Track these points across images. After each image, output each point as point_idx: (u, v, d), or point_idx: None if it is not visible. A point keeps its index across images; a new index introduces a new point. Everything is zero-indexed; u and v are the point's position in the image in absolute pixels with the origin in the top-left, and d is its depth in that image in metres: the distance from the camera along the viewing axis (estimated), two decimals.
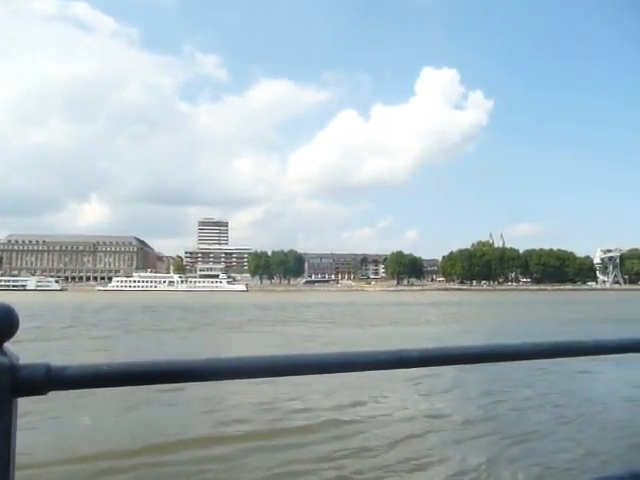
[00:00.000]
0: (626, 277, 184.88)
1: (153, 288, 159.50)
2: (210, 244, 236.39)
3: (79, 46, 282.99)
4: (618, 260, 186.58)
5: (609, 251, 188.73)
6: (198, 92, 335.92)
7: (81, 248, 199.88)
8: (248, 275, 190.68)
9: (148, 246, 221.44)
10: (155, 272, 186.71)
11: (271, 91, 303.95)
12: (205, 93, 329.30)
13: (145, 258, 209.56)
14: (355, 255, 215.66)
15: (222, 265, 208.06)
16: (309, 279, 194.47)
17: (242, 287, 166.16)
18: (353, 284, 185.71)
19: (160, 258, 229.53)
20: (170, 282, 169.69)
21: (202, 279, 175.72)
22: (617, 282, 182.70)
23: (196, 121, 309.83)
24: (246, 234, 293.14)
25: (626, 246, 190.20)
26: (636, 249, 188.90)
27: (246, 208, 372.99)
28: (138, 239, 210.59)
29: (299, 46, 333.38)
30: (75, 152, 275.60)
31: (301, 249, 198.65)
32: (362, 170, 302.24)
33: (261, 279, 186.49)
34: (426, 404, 11.93)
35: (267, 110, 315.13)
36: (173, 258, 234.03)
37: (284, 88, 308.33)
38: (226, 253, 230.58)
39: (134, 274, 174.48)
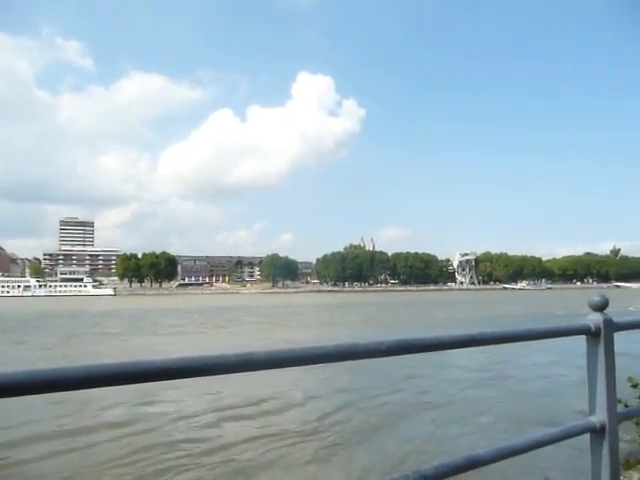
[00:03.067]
0: (480, 278, 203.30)
1: (5, 294, 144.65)
2: (73, 245, 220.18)
3: None
4: (473, 263, 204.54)
5: (466, 254, 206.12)
6: (60, 80, 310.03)
7: None
8: (116, 278, 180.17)
9: None
10: (8, 276, 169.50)
11: (142, 85, 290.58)
12: (68, 82, 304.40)
13: None
14: (230, 258, 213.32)
15: (87, 268, 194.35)
16: (182, 282, 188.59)
17: (109, 291, 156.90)
18: (228, 287, 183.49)
19: (14, 260, 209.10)
20: (26, 287, 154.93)
21: (64, 283, 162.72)
22: (472, 283, 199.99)
23: (57, 111, 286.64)
24: (114, 235, 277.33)
25: (480, 250, 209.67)
26: (489, 252, 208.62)
27: (114, 207, 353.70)
28: None
29: (172, 41, 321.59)
30: None
31: (174, 251, 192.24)
32: (238, 171, 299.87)
33: (130, 282, 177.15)
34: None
35: (138, 105, 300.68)
36: (30, 260, 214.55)
37: (157, 83, 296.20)
38: (91, 255, 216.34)
39: None
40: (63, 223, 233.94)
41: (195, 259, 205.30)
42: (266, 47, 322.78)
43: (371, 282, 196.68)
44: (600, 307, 2.30)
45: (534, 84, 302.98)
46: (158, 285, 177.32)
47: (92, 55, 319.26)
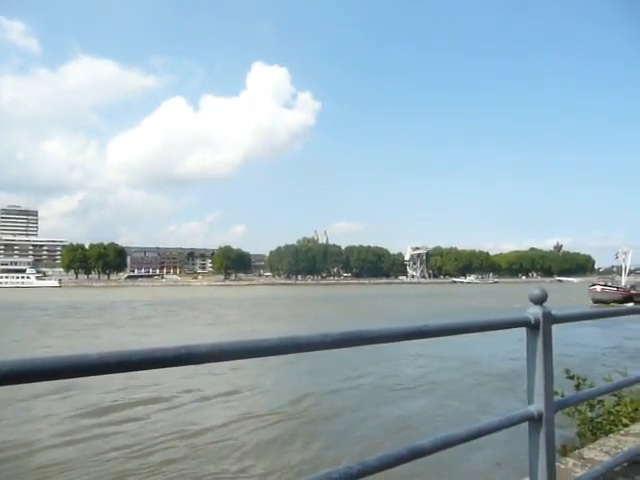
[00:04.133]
0: (430, 272, 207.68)
1: None
2: (15, 235, 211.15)
3: None
4: (424, 257, 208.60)
5: (417, 248, 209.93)
6: (3, 61, 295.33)
7: None
8: (61, 270, 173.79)
9: None
10: None
11: (91, 70, 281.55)
12: (12, 63, 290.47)
13: None
14: (182, 249, 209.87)
15: (30, 259, 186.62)
16: (132, 274, 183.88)
17: (54, 283, 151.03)
18: (179, 279, 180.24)
19: None
20: None
21: (5, 274, 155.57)
22: (424, 276, 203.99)
23: (0, 94, 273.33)
24: (60, 225, 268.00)
25: (431, 244, 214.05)
26: (439, 247, 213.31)
27: (60, 196, 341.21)
28: None
29: (124, 26, 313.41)
30: None
31: (123, 242, 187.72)
32: (190, 161, 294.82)
33: (77, 274, 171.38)
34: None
35: (86, 90, 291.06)
36: None
37: (107, 68, 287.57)
38: (35, 245, 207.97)
39: None
40: (4, 211, 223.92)
41: (145, 250, 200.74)
42: (222, 36, 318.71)
43: (324, 275, 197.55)
44: (539, 300, 2.36)
45: (489, 78, 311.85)
46: (106, 277, 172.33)
47: (36, 35, 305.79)
